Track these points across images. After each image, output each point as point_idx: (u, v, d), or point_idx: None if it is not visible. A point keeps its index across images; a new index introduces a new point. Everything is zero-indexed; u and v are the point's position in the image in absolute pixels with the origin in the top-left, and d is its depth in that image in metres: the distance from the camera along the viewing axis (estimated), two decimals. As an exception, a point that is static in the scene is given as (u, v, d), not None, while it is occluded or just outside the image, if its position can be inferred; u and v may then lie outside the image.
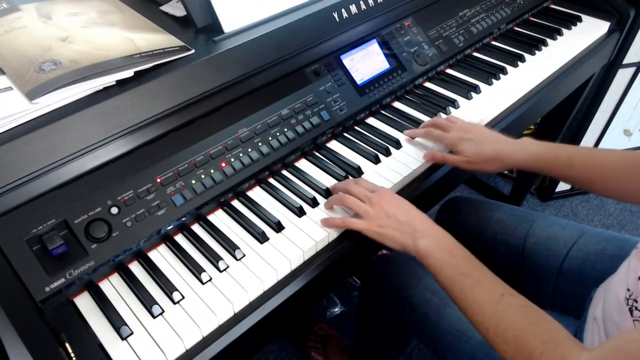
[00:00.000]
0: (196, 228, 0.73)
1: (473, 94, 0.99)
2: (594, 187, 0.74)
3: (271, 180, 0.80)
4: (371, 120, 0.93)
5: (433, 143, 0.86)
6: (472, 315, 0.59)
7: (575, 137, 1.62)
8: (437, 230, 0.66)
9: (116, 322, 0.60)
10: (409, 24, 1.00)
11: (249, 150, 0.77)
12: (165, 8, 0.89)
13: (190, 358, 0.59)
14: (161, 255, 0.69)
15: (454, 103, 0.96)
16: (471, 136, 0.80)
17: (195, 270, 0.66)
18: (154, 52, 0.72)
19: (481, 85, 1.01)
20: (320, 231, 0.72)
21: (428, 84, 1.03)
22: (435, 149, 0.85)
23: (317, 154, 0.86)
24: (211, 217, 0.74)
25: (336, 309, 1.43)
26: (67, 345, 0.56)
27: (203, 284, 0.65)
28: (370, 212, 0.69)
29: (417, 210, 0.69)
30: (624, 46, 1.30)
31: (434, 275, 0.64)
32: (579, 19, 1.21)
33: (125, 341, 0.59)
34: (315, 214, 0.74)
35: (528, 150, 0.76)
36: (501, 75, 1.04)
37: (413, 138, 0.88)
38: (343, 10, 0.88)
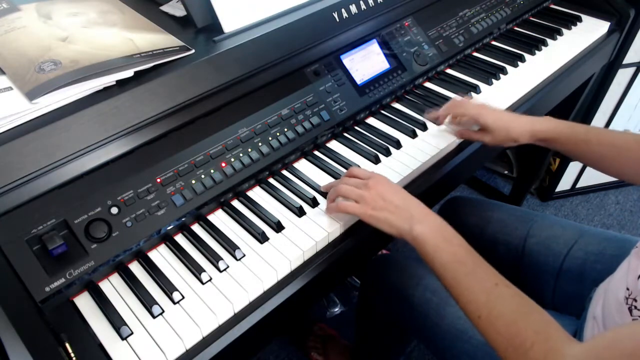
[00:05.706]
0: (196, 228, 0.73)
1: (473, 94, 0.99)
2: (606, 164, 0.76)
3: (271, 180, 0.80)
4: (371, 120, 0.93)
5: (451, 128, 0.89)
6: (464, 302, 0.59)
7: (575, 137, 1.62)
8: (433, 217, 0.65)
9: (116, 322, 0.60)
10: (409, 24, 1.00)
11: (249, 150, 0.77)
12: (165, 8, 0.89)
13: (190, 358, 0.59)
14: (161, 255, 0.69)
15: (454, 103, 0.96)
16: (491, 110, 0.83)
17: (195, 270, 0.66)
18: (154, 52, 0.72)
19: (481, 85, 1.01)
20: (320, 231, 0.72)
21: (428, 84, 1.03)
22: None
23: (317, 154, 0.86)
24: (211, 217, 0.74)
25: (336, 309, 1.43)
26: (67, 345, 0.56)
27: (203, 284, 0.65)
28: (366, 196, 0.68)
29: (414, 197, 0.69)
30: (624, 46, 1.30)
31: (429, 262, 0.63)
32: (579, 19, 1.21)
33: (125, 341, 0.59)
34: (315, 214, 0.74)
35: (547, 122, 0.81)
36: (501, 75, 1.04)
37: (436, 123, 0.91)
38: (343, 10, 0.89)
